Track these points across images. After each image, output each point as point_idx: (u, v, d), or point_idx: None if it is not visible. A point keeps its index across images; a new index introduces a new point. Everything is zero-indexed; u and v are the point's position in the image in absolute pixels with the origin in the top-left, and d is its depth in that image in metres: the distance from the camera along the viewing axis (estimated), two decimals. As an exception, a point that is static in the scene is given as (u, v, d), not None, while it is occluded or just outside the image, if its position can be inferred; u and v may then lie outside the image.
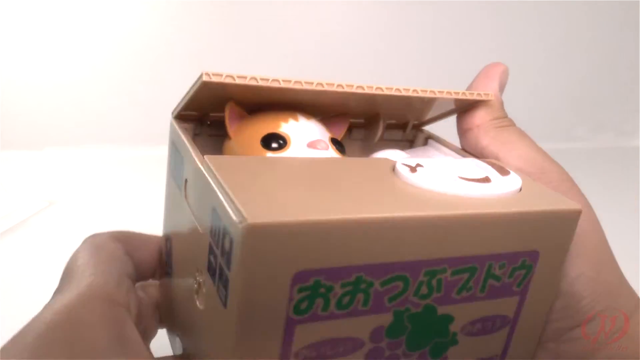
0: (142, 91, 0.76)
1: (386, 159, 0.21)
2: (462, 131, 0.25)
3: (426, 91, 0.22)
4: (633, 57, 0.99)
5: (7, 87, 0.76)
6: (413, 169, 0.19)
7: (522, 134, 0.24)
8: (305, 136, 0.22)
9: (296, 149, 0.21)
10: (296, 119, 0.22)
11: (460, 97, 0.23)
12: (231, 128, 0.22)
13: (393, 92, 0.21)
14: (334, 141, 0.22)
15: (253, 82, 0.20)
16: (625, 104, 1.01)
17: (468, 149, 0.25)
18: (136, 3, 0.77)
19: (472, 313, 0.19)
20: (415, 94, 0.22)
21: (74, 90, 0.78)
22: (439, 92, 0.22)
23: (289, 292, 0.15)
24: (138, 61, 0.78)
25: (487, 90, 0.24)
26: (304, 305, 0.15)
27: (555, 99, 0.97)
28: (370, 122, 0.26)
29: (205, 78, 0.19)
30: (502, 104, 0.25)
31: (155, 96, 0.73)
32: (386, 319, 0.17)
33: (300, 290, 0.15)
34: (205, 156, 0.18)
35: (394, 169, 0.20)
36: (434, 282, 0.17)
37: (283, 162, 0.19)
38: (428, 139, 0.28)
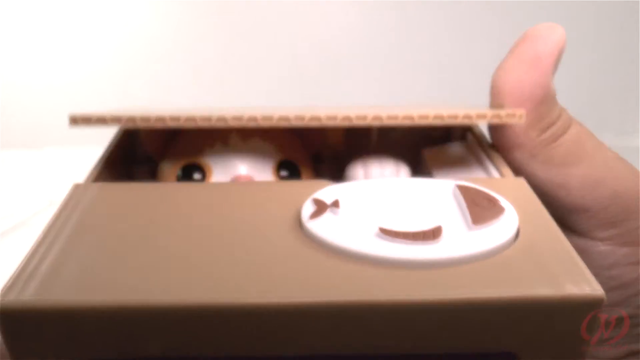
0: (142, 92, 0.76)
1: (310, 188, 0.14)
2: (501, 152, 0.18)
3: (423, 116, 0.15)
4: (633, 57, 0.99)
5: (7, 87, 0.76)
6: (319, 211, 0.13)
7: (587, 141, 0.17)
8: (229, 167, 0.17)
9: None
10: (225, 142, 0.17)
11: (467, 121, 0.16)
12: (154, 150, 0.18)
13: (369, 122, 0.16)
14: (285, 164, 0.17)
15: (160, 124, 0.15)
16: (625, 104, 1.01)
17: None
18: (136, 3, 0.76)
19: None
20: (405, 122, 0.16)
21: (74, 90, 0.77)
22: (437, 117, 0.15)
23: None
24: (138, 61, 0.78)
25: (524, 91, 0.16)
26: None
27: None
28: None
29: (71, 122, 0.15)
30: (549, 97, 0.17)
31: (155, 96, 0.73)
32: None
33: None
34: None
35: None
36: None
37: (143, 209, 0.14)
38: (468, 131, 0.20)
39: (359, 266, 0.12)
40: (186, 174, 0.17)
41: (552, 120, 0.17)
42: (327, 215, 0.13)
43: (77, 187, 0.15)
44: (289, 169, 0.18)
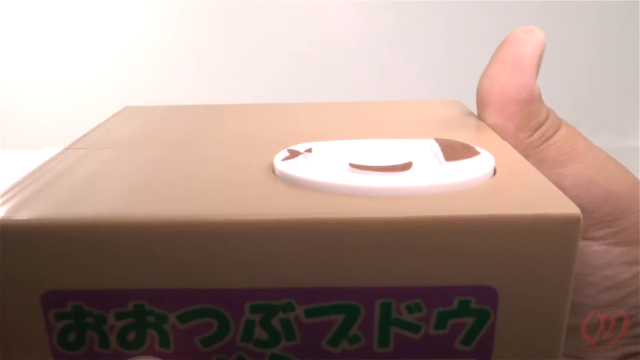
0: (141, 91, 0.76)
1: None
2: None
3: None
4: (633, 57, 0.99)
5: (7, 87, 0.76)
6: (291, 156, 0.13)
7: (578, 140, 0.17)
8: None
9: None
10: None
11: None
12: None
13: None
14: None
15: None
16: (625, 104, 1.01)
17: None
18: (137, 3, 0.76)
19: None
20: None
21: (74, 90, 0.78)
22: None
23: (44, 319, 0.11)
24: (138, 61, 0.78)
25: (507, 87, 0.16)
26: (71, 338, 0.11)
27: (555, 98, 0.96)
28: None
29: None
30: (535, 98, 0.17)
31: (155, 97, 0.73)
32: None
33: (58, 317, 0.11)
34: None
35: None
36: (274, 322, 0.11)
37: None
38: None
39: (326, 195, 0.11)
40: None
41: (540, 120, 0.17)
42: (299, 159, 0.13)
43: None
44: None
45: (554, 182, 0.13)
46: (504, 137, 0.17)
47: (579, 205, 0.12)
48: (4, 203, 0.11)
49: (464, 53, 0.82)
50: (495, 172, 0.13)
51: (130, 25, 0.76)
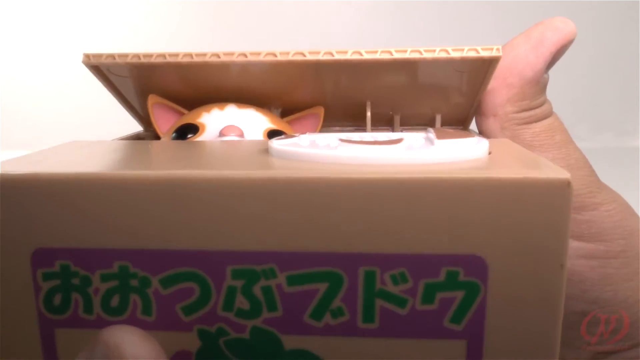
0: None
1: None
2: (477, 118, 0.19)
3: (400, 51, 0.18)
4: (633, 57, 0.99)
5: (7, 87, 0.76)
6: (285, 137, 0.14)
7: (557, 134, 0.18)
8: (222, 124, 0.18)
9: (207, 137, 0.17)
10: (222, 108, 0.19)
11: (445, 55, 0.17)
12: (160, 127, 0.19)
13: (344, 56, 0.18)
14: (274, 133, 0.18)
15: (135, 60, 0.18)
16: (625, 104, 1.01)
17: None
18: (137, 4, 0.77)
19: (361, 357, 0.11)
20: (384, 56, 0.18)
21: (74, 90, 0.78)
22: (414, 51, 0.18)
23: (32, 278, 0.11)
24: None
25: (525, 63, 0.16)
26: (57, 300, 0.11)
27: (555, 99, 0.96)
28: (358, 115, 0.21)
29: (84, 60, 0.18)
30: (538, 83, 0.18)
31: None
32: (190, 340, 0.12)
33: (46, 278, 0.11)
34: None
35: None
36: (256, 290, 0.11)
37: (137, 145, 0.16)
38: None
39: (314, 164, 0.11)
40: (181, 134, 0.18)
41: (533, 105, 0.18)
42: (292, 139, 0.13)
43: None
44: (275, 135, 0.18)
45: None
46: (494, 103, 0.17)
47: None
48: (2, 165, 0.12)
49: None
50: (490, 154, 0.13)
51: (131, 26, 0.77)
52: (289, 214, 0.10)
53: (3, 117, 0.76)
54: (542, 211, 0.10)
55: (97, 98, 0.76)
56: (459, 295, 0.11)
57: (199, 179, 0.11)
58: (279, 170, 0.11)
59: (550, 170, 0.11)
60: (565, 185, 0.10)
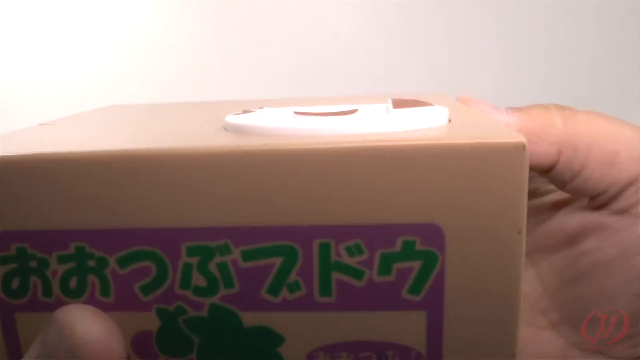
0: (142, 92, 0.76)
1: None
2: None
3: None
4: (633, 57, 0.99)
5: (7, 87, 0.76)
6: (242, 113, 0.13)
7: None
8: None
9: None
10: None
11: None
12: None
13: None
14: None
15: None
16: (625, 104, 1.01)
17: None
18: (138, 4, 0.77)
19: (320, 332, 0.11)
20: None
21: (74, 90, 0.78)
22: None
23: None
24: (138, 62, 0.78)
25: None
26: (15, 284, 0.11)
27: (555, 99, 0.96)
28: None
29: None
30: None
31: (155, 97, 0.73)
32: (150, 320, 0.12)
33: (2, 261, 0.11)
34: None
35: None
36: (211, 267, 0.11)
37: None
38: None
39: (270, 139, 0.11)
40: None
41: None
42: (249, 114, 0.13)
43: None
44: None
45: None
46: None
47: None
48: None
49: (464, 53, 0.82)
50: (449, 121, 0.12)
51: (132, 27, 0.77)
52: (241, 188, 0.10)
53: (3, 117, 0.76)
54: (498, 176, 0.10)
55: (97, 98, 0.75)
56: (417, 265, 0.11)
57: (150, 155, 0.10)
58: (230, 144, 0.11)
59: (505, 134, 0.10)
60: (521, 149, 0.10)
